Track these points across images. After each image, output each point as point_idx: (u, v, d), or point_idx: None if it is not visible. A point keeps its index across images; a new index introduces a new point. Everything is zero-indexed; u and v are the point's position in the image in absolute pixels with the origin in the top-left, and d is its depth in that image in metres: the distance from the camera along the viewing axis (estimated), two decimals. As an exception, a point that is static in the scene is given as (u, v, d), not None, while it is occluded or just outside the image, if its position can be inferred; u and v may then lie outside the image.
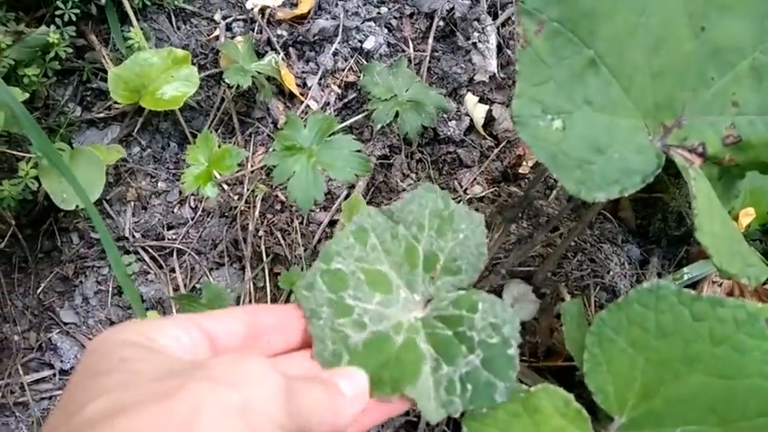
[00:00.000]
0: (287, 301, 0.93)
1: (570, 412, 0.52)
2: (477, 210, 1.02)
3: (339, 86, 1.05)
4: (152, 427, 0.30)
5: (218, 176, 0.96)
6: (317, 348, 0.47)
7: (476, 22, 1.07)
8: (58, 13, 0.90)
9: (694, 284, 0.97)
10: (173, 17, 1.04)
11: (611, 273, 0.94)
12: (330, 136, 0.73)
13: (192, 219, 0.98)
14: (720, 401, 0.52)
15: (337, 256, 0.51)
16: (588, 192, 0.57)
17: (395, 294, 0.51)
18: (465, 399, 0.46)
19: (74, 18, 0.91)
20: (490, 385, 0.46)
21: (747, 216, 1.01)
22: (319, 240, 0.96)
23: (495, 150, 1.06)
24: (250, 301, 0.94)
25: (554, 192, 1.04)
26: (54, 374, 0.93)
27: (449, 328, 0.49)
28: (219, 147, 0.77)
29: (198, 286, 0.96)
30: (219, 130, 1.01)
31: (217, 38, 1.04)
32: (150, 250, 0.96)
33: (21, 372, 0.93)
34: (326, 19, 1.05)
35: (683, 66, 0.65)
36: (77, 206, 0.86)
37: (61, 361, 0.93)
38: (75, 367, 0.36)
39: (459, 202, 1.02)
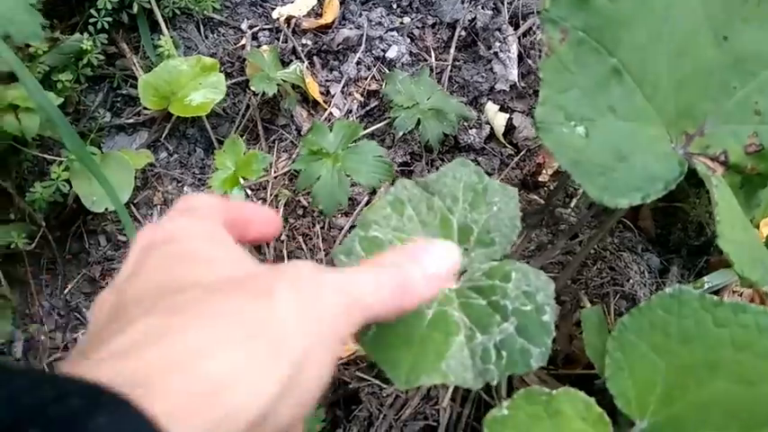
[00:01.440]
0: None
1: (591, 416, 0.52)
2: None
3: (362, 95, 1.06)
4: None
5: (242, 181, 0.98)
6: None
7: (497, 32, 1.09)
8: (91, 21, 0.93)
9: (715, 293, 0.96)
10: (201, 26, 1.07)
11: (631, 281, 0.94)
12: (354, 142, 0.74)
13: (217, 223, 0.99)
14: (743, 408, 0.52)
15: (375, 225, 0.52)
16: (611, 198, 0.58)
17: None
18: (501, 366, 0.46)
19: (106, 26, 0.93)
20: (525, 351, 0.46)
21: (768, 226, 1.01)
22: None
23: (515, 158, 1.07)
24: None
25: (574, 200, 1.05)
26: (80, 373, 0.95)
27: (483, 298, 0.49)
28: (245, 153, 0.79)
29: (221, 289, 0.97)
30: (244, 137, 1.03)
31: (243, 47, 1.07)
32: (175, 253, 0.98)
33: (47, 371, 0.95)
34: (350, 29, 1.07)
35: (706, 75, 0.66)
36: (106, 209, 0.88)
37: (87, 360, 0.95)
38: (139, 251, 0.36)
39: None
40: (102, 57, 0.95)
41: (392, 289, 0.38)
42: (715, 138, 0.67)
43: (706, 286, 0.93)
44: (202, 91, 0.91)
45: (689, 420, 0.53)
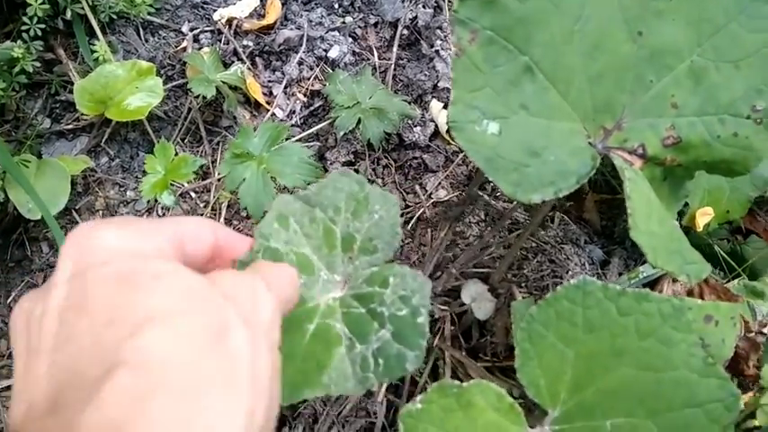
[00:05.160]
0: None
1: (504, 406, 0.54)
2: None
3: (305, 95, 1.07)
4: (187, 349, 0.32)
5: (185, 185, 0.98)
6: None
7: (438, 31, 1.10)
8: (24, 28, 0.92)
9: (654, 283, 0.98)
10: (141, 30, 1.06)
11: (571, 273, 0.96)
12: (281, 143, 0.74)
13: (160, 227, 0.99)
14: (648, 394, 0.53)
15: (270, 238, 0.53)
16: (524, 193, 0.59)
17: (316, 276, 0.52)
18: (378, 373, 0.47)
19: (40, 33, 0.92)
20: (401, 356, 0.47)
21: (705, 215, 1.03)
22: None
23: (460, 155, 1.08)
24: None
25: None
26: (25, 382, 0.94)
27: (362, 306, 0.50)
28: (175, 156, 0.79)
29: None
30: (186, 140, 1.03)
31: (184, 49, 1.06)
32: (119, 258, 0.98)
33: None
34: (291, 29, 1.07)
35: (622, 69, 0.67)
36: (43, 216, 0.87)
37: (32, 369, 0.95)
38: (73, 273, 0.35)
39: (422, 206, 1.04)
40: (38, 64, 0.94)
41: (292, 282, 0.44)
42: (633, 131, 0.68)
43: (641, 276, 0.95)
44: (139, 95, 0.91)
45: (598, 407, 0.54)
